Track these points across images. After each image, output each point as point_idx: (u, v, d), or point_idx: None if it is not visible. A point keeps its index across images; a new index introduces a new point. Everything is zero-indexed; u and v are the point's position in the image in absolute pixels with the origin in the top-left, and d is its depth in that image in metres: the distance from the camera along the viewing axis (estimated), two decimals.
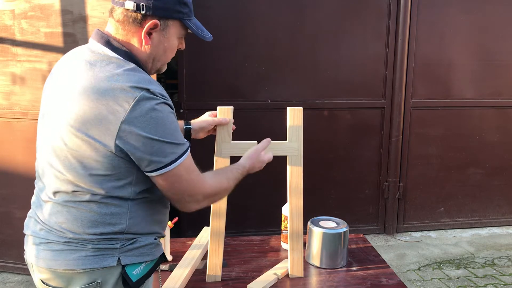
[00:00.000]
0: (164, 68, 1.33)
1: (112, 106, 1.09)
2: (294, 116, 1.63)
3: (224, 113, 1.60)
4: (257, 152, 1.51)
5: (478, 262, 3.50)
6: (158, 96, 1.14)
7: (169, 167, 1.16)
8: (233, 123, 1.62)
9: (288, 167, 1.64)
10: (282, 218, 1.88)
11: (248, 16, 3.51)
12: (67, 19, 2.77)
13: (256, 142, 1.61)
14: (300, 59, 3.62)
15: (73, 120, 1.13)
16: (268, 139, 1.57)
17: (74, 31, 2.78)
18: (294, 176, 1.64)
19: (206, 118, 1.64)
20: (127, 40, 1.22)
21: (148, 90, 1.12)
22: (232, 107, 1.61)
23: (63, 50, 2.79)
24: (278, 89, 3.61)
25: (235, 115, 1.60)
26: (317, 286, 1.64)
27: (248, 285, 1.57)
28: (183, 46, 1.33)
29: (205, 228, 1.98)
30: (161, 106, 1.14)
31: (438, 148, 3.98)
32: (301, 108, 1.63)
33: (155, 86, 1.15)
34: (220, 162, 1.59)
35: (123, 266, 1.21)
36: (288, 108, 1.63)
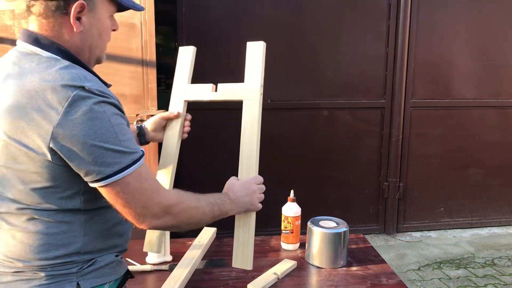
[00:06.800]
0: (104, 58, 1.20)
1: (43, 109, 0.97)
2: (253, 52, 1.35)
3: (186, 52, 1.41)
4: (249, 182, 1.33)
5: (478, 262, 3.50)
6: (95, 94, 1.00)
7: (111, 178, 1.01)
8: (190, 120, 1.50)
9: (243, 114, 1.34)
10: (282, 218, 1.88)
11: (248, 16, 3.52)
12: None
13: (212, 85, 1.41)
14: (300, 59, 3.62)
15: (5, 129, 1.00)
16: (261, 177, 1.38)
17: None
18: (249, 124, 1.32)
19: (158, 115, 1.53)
20: (55, 33, 1.08)
21: (83, 88, 0.99)
22: (195, 47, 1.42)
23: None
24: (278, 89, 3.61)
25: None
26: (317, 286, 1.64)
27: (248, 285, 1.57)
28: (116, 27, 1.20)
29: (205, 228, 1.98)
30: (100, 105, 0.99)
31: (438, 148, 3.98)
32: (262, 42, 1.37)
33: (92, 83, 1.02)
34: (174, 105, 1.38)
35: None
36: (248, 43, 1.37)
